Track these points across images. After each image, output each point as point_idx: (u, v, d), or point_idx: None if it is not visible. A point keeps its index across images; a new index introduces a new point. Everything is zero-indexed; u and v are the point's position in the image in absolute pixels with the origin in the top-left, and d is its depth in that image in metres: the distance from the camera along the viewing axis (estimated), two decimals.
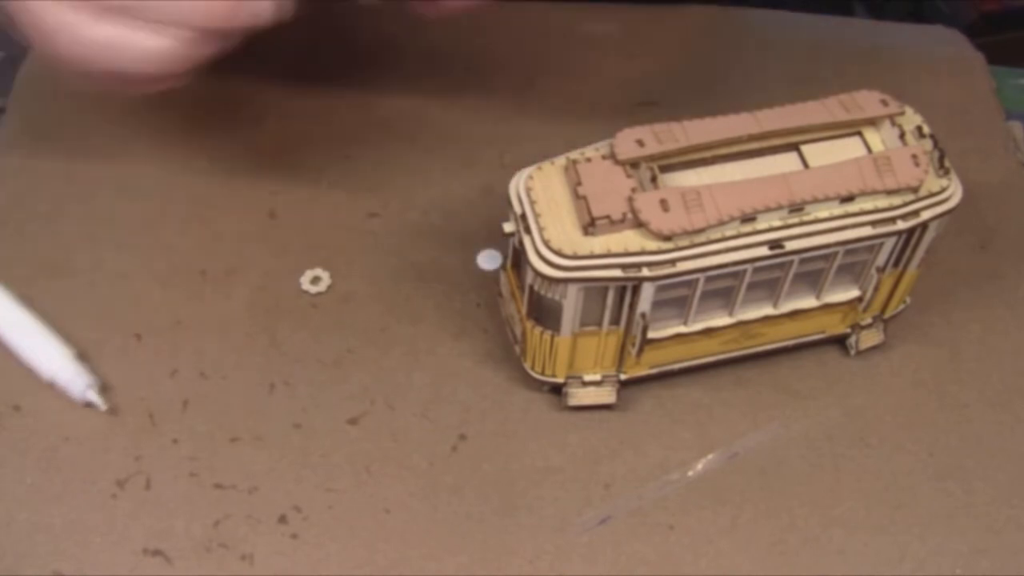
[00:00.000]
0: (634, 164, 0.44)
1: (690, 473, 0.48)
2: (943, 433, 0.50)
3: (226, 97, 0.60)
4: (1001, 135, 0.61)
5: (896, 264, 0.47)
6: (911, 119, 0.46)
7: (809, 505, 0.47)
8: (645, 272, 0.42)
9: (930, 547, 0.46)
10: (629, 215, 0.42)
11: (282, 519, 0.46)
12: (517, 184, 0.44)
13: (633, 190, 0.43)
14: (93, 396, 0.48)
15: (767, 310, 0.47)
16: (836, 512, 0.47)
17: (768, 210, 0.42)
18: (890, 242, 0.45)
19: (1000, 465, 0.49)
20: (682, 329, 0.47)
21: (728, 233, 0.43)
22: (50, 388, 0.49)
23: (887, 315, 0.51)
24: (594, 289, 0.43)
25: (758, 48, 0.64)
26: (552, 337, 0.45)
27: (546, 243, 0.42)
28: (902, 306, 0.51)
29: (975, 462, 0.49)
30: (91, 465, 0.47)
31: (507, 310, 0.49)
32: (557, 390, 0.49)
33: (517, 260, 0.44)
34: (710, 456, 0.48)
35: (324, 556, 0.45)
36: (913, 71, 0.64)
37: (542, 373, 0.48)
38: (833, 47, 0.65)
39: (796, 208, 0.43)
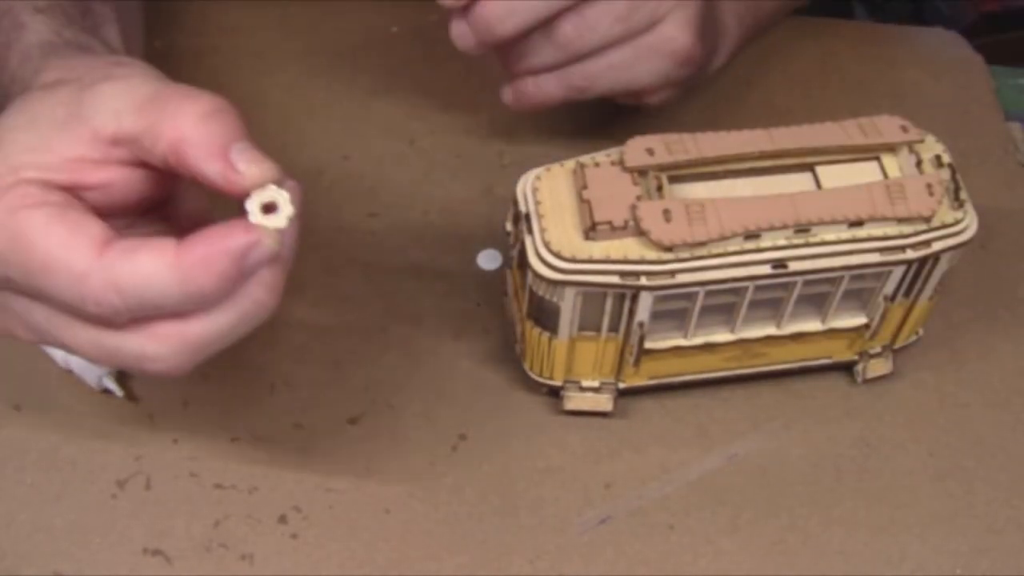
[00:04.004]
0: (642, 172, 0.43)
1: (690, 473, 0.48)
2: (943, 433, 0.50)
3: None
4: (1000, 136, 0.61)
5: (907, 294, 0.46)
6: (931, 147, 0.45)
7: (809, 505, 0.47)
8: (643, 281, 0.42)
9: (930, 547, 0.46)
10: (631, 222, 0.42)
11: (282, 519, 0.46)
12: (524, 184, 0.44)
13: (638, 198, 0.42)
14: (110, 383, 0.48)
15: (770, 330, 0.47)
16: (836, 512, 0.47)
17: (772, 229, 0.42)
18: (899, 271, 0.45)
19: (1000, 465, 0.49)
20: (681, 342, 0.46)
21: (730, 248, 0.42)
22: (50, 388, 0.49)
23: (897, 345, 0.50)
24: (592, 294, 0.43)
25: (758, 50, 0.64)
26: (550, 339, 0.45)
27: (546, 244, 0.42)
28: (914, 337, 0.51)
29: (975, 462, 0.49)
30: (91, 465, 0.47)
31: (510, 309, 0.49)
32: (555, 393, 0.49)
33: (522, 260, 0.44)
34: (710, 456, 0.49)
35: (324, 556, 0.45)
36: (913, 73, 0.64)
37: (540, 375, 0.48)
38: (834, 50, 0.65)
39: (802, 229, 0.43)
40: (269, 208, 0.35)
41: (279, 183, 0.36)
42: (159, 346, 0.36)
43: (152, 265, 0.35)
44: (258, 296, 0.36)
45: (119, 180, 0.37)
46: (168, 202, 0.40)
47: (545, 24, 0.49)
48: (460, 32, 0.49)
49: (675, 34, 0.50)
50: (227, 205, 0.36)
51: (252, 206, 0.35)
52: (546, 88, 0.52)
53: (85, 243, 0.35)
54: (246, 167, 0.35)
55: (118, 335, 0.36)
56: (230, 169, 0.35)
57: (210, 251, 0.35)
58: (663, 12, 0.49)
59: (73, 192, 0.36)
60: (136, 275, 0.35)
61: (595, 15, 0.49)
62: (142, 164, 0.37)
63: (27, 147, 0.36)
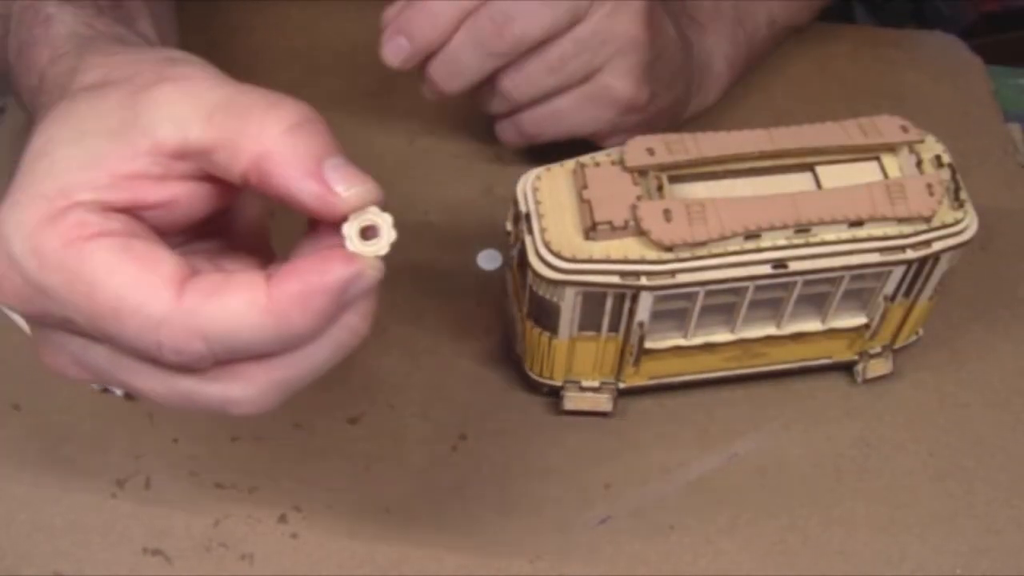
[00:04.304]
0: (643, 172, 0.43)
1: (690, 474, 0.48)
2: (943, 433, 0.50)
3: None
4: (1000, 138, 0.61)
5: (907, 294, 0.46)
6: (931, 147, 0.45)
7: (809, 505, 0.47)
8: (643, 281, 0.42)
9: (930, 547, 0.46)
10: (631, 222, 0.42)
11: (282, 519, 0.46)
12: (524, 183, 0.44)
13: (638, 198, 0.42)
14: None
15: (770, 330, 0.47)
16: (836, 512, 0.47)
17: (773, 228, 0.42)
18: (899, 271, 0.45)
19: (1000, 465, 0.49)
20: (681, 342, 0.46)
21: (731, 248, 0.42)
22: (50, 388, 0.49)
23: (897, 346, 0.50)
24: (593, 294, 0.43)
25: None
26: (550, 339, 0.45)
27: (546, 244, 0.42)
28: (913, 337, 0.51)
29: (975, 462, 0.49)
30: (91, 465, 0.47)
31: (510, 309, 0.49)
32: (555, 393, 0.49)
33: (522, 260, 0.44)
34: (710, 456, 0.49)
35: (324, 556, 0.45)
36: (913, 76, 0.64)
37: (540, 375, 0.48)
38: (833, 53, 0.65)
39: (802, 229, 0.43)
40: (367, 232, 0.32)
41: (381, 204, 0.31)
42: (245, 389, 0.33)
43: (241, 308, 0.30)
44: (353, 325, 0.33)
45: (183, 197, 0.32)
46: (225, 211, 0.35)
47: (489, 79, 0.51)
48: (424, 87, 0.52)
49: (613, 83, 0.51)
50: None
51: (350, 231, 0.31)
52: (505, 133, 0.55)
53: (160, 283, 0.30)
54: (346, 188, 0.31)
55: (197, 380, 0.32)
56: (328, 191, 0.31)
57: (307, 288, 0.31)
58: (600, 62, 0.50)
59: (132, 213, 0.32)
60: (223, 320, 0.30)
61: (530, 68, 0.50)
62: (207, 178, 0.32)
63: (77, 164, 0.31)
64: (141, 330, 0.30)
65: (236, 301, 0.30)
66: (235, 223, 0.37)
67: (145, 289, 0.30)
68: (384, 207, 0.32)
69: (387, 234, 0.32)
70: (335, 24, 0.64)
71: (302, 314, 0.31)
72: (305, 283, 0.31)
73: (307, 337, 0.32)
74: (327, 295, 0.31)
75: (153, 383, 0.33)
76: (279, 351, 0.32)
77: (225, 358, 0.32)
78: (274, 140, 0.31)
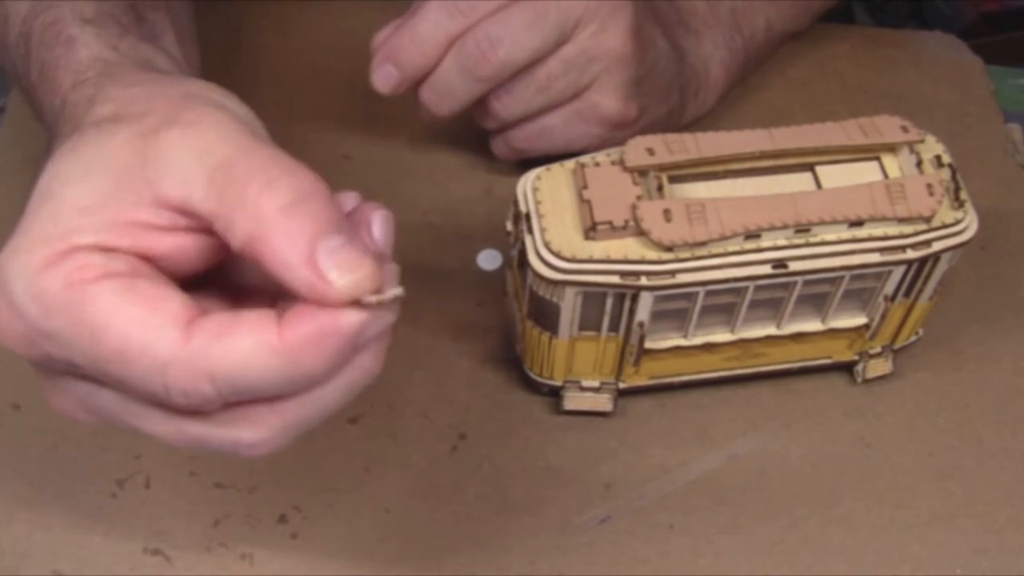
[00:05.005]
0: (643, 172, 0.43)
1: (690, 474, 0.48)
2: (943, 433, 0.50)
3: None
4: (1000, 138, 0.61)
5: (907, 294, 0.46)
6: (931, 147, 0.45)
7: (809, 505, 0.47)
8: (643, 281, 0.42)
9: (930, 547, 0.46)
10: (631, 222, 0.42)
11: (282, 519, 0.46)
12: (524, 183, 0.44)
13: (638, 198, 0.42)
14: None
15: (770, 330, 0.47)
16: (836, 512, 0.47)
17: (773, 228, 0.42)
18: (899, 271, 0.45)
19: (1000, 465, 0.49)
20: (681, 342, 0.46)
21: (731, 248, 0.42)
22: None
23: (897, 346, 0.50)
24: (593, 294, 0.43)
25: None
26: (550, 339, 0.45)
27: (546, 244, 0.42)
28: (913, 337, 0.51)
29: (975, 462, 0.49)
30: (91, 465, 0.47)
31: (510, 309, 0.49)
32: (555, 393, 0.49)
33: (522, 260, 0.44)
34: (710, 456, 0.49)
35: (324, 556, 0.45)
36: (913, 76, 0.64)
37: (540, 375, 0.48)
38: (833, 54, 0.65)
39: (802, 229, 0.43)
40: None
41: (379, 291, 0.30)
42: (256, 432, 0.32)
43: (250, 348, 0.29)
44: (367, 365, 0.32)
45: (190, 249, 0.32)
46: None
47: (480, 99, 0.52)
48: (419, 109, 0.53)
49: (601, 100, 0.51)
50: None
51: None
52: (497, 148, 0.56)
53: (166, 323, 0.30)
54: (339, 276, 0.29)
55: (205, 423, 0.32)
56: (319, 278, 0.29)
57: (320, 330, 0.29)
58: (588, 80, 0.51)
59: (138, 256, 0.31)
60: (233, 361, 0.29)
61: (518, 89, 0.51)
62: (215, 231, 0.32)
63: (80, 205, 0.31)
64: (147, 372, 0.30)
65: (245, 341, 0.29)
66: (243, 261, 0.35)
67: (150, 330, 0.29)
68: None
69: (393, 288, 0.31)
70: (335, 24, 0.64)
71: (314, 356, 0.30)
72: (318, 325, 0.29)
73: (319, 379, 0.31)
74: (341, 337, 0.30)
75: (162, 427, 0.32)
76: (289, 393, 0.31)
77: (234, 400, 0.31)
78: (268, 221, 0.30)
